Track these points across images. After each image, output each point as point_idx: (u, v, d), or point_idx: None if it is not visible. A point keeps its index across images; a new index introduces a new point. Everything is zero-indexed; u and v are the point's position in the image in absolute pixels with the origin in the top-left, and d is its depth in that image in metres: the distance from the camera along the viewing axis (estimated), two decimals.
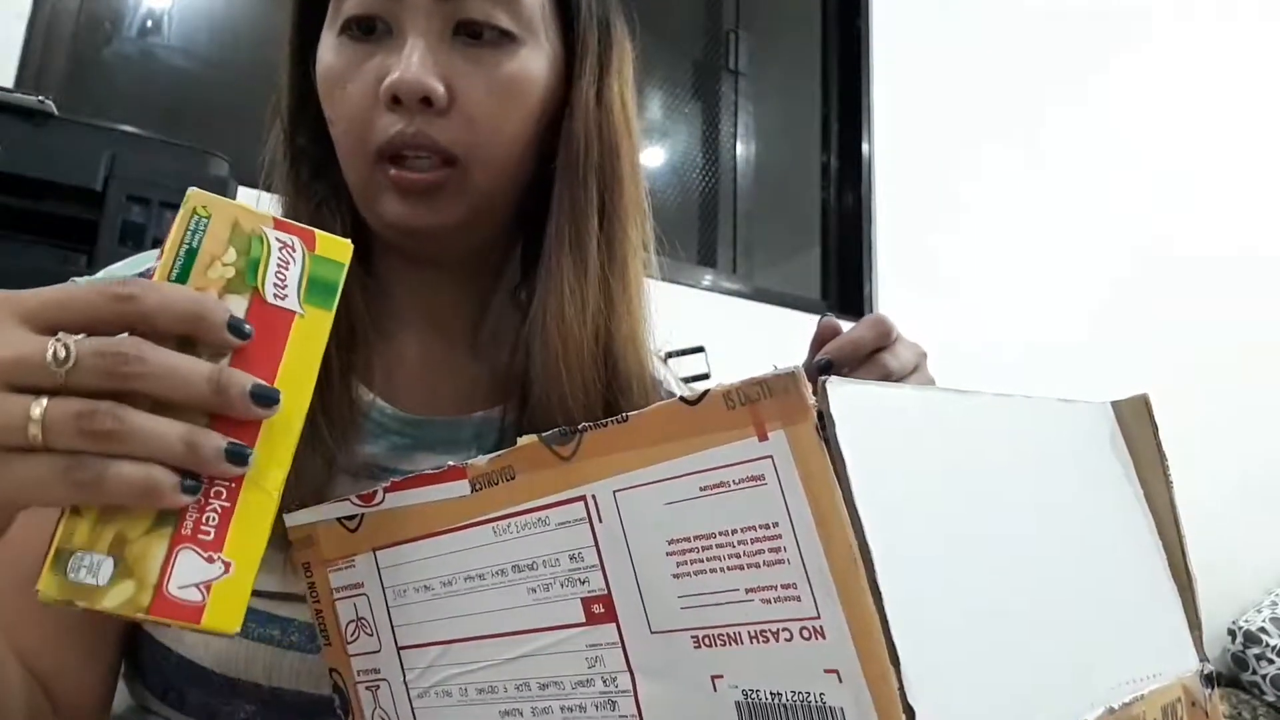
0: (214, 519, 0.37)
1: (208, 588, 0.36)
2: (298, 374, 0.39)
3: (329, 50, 0.60)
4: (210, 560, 0.37)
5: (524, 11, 0.59)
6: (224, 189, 1.27)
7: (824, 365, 0.54)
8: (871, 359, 0.55)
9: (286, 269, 0.41)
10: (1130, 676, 0.40)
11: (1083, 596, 0.41)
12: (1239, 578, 2.58)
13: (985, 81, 2.63)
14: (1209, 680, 0.45)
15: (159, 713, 0.59)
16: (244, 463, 0.37)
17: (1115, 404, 0.50)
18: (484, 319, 0.69)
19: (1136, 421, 0.49)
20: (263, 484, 0.37)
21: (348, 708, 0.50)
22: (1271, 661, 2.46)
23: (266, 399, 0.38)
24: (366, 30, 0.58)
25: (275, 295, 0.41)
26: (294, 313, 0.41)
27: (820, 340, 0.57)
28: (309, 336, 0.40)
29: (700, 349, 1.63)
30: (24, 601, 0.39)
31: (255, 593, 0.55)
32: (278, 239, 0.42)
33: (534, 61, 0.60)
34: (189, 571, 0.36)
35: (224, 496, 0.37)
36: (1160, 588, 0.47)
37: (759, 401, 0.32)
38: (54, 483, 0.34)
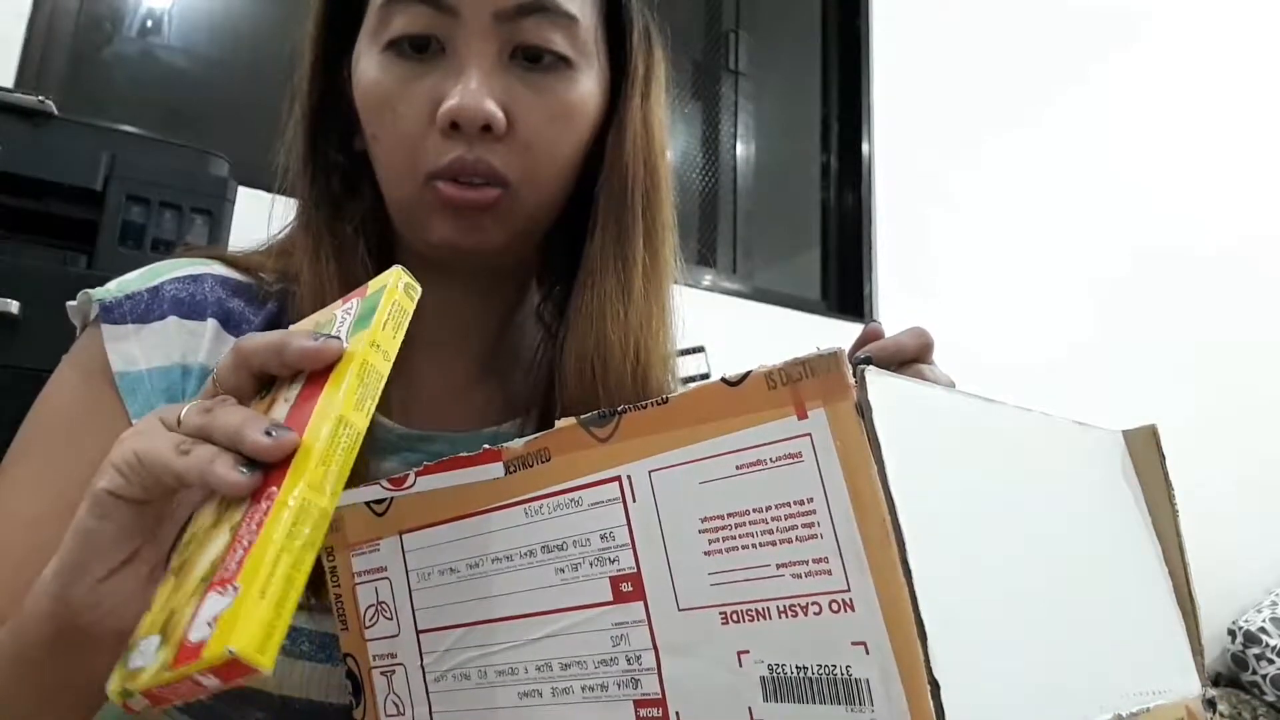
0: (240, 553, 0.35)
1: (215, 620, 0.33)
2: (330, 402, 0.39)
3: (374, 66, 0.58)
4: (224, 593, 0.34)
5: (580, 35, 0.58)
6: (224, 189, 1.27)
7: (863, 360, 0.54)
8: (909, 366, 0.55)
9: (342, 325, 0.43)
10: (1137, 690, 0.41)
11: (1093, 608, 0.42)
12: (1239, 578, 2.58)
13: (985, 81, 2.64)
14: (1210, 705, 0.46)
15: (168, 716, 0.59)
16: (275, 439, 0.37)
17: (1126, 433, 0.51)
18: (504, 335, 0.68)
19: (1145, 451, 0.50)
20: (285, 500, 0.36)
21: (360, 694, 0.49)
22: (1271, 661, 2.46)
23: (271, 436, 0.37)
24: (418, 48, 0.57)
25: None
26: (340, 351, 0.41)
27: (864, 341, 0.57)
28: (345, 363, 0.40)
29: (700, 349, 1.63)
30: None
31: None
32: (341, 311, 0.44)
33: (587, 85, 0.60)
34: (208, 610, 0.34)
35: (254, 525, 0.36)
36: (1165, 612, 0.48)
37: (800, 381, 0.33)
38: (169, 449, 0.38)
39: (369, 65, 0.58)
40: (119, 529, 0.40)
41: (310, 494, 0.36)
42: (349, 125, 0.62)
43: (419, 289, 0.44)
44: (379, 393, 0.40)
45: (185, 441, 0.39)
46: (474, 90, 0.55)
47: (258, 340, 0.42)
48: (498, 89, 0.56)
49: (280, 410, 0.40)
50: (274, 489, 0.36)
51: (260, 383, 0.43)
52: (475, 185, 0.57)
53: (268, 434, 0.37)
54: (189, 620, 0.34)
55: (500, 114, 0.55)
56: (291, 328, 0.45)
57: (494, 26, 0.56)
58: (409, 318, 0.43)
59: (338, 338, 0.41)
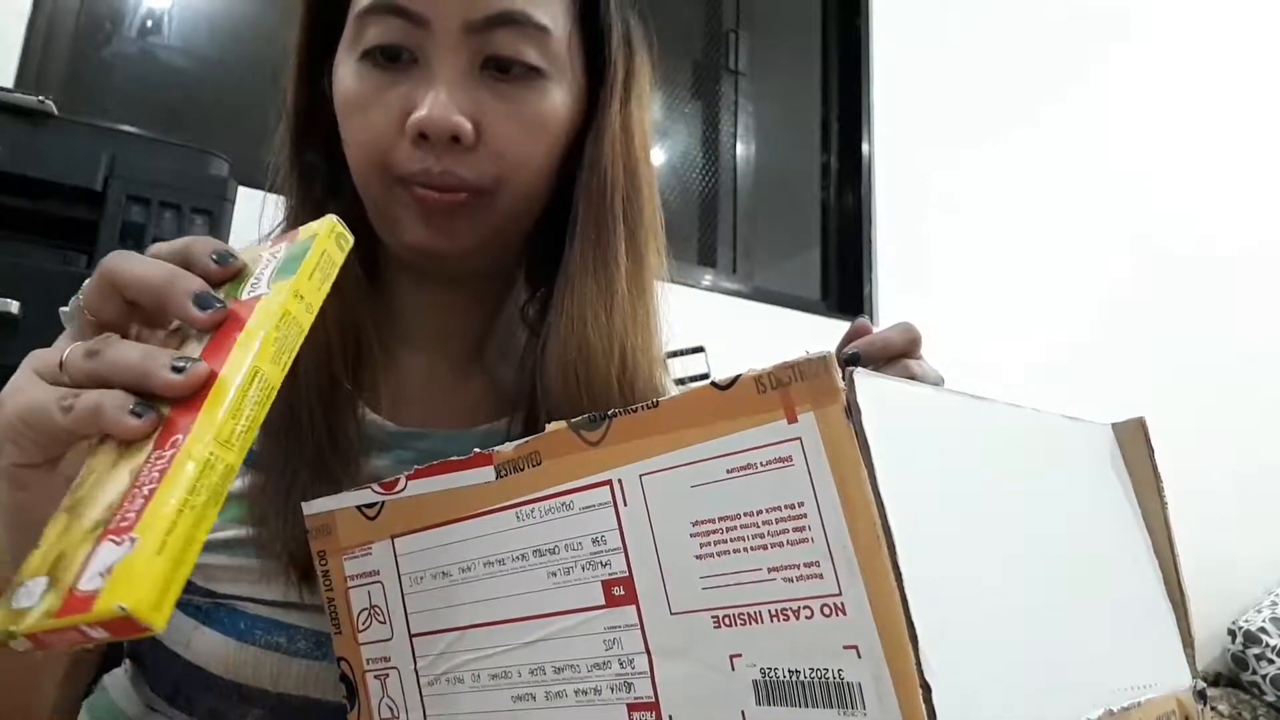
0: (140, 502, 0.33)
1: (109, 571, 0.31)
2: (246, 350, 0.37)
3: (349, 74, 0.58)
4: (120, 543, 0.32)
5: (552, 46, 0.58)
6: (224, 189, 1.27)
7: (851, 357, 0.54)
8: (896, 362, 0.55)
9: (266, 268, 0.41)
10: (1128, 684, 0.41)
11: (1084, 604, 0.42)
12: (1239, 578, 2.58)
13: (985, 81, 2.64)
14: (1201, 696, 0.46)
15: (167, 715, 0.59)
16: (186, 373, 0.36)
17: (1115, 426, 0.51)
18: (491, 335, 0.69)
19: (1134, 443, 0.50)
20: (192, 452, 0.34)
21: (354, 698, 0.49)
22: (1271, 661, 2.46)
23: (180, 370, 0.36)
24: (390, 58, 0.57)
25: (249, 294, 0.40)
26: (260, 296, 0.39)
27: (851, 337, 0.57)
28: (266, 308, 0.39)
29: (700, 349, 1.63)
30: None
31: (261, 601, 0.56)
32: (269, 253, 0.42)
33: (560, 96, 0.59)
34: (101, 560, 0.32)
35: (156, 473, 0.34)
36: (1156, 604, 0.48)
37: (790, 385, 0.33)
38: (52, 407, 0.37)
39: (345, 73, 0.59)
40: (43, 494, 0.39)
41: (219, 449, 0.34)
42: (333, 130, 0.62)
43: (351, 240, 0.42)
44: (298, 346, 0.39)
45: (68, 394, 0.37)
46: (442, 101, 0.55)
47: (136, 268, 0.39)
48: (467, 100, 0.56)
49: (193, 349, 0.38)
50: (179, 436, 0.34)
51: (137, 314, 0.40)
52: (447, 187, 0.57)
53: (176, 369, 0.35)
54: (80, 567, 0.32)
55: (468, 125, 0.55)
56: (191, 242, 0.42)
57: (464, 37, 0.56)
58: (337, 270, 0.41)
59: (223, 303, 0.39)
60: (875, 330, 0.57)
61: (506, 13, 0.56)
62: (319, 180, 0.63)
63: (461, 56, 0.56)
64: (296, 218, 0.62)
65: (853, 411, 0.32)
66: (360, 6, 0.57)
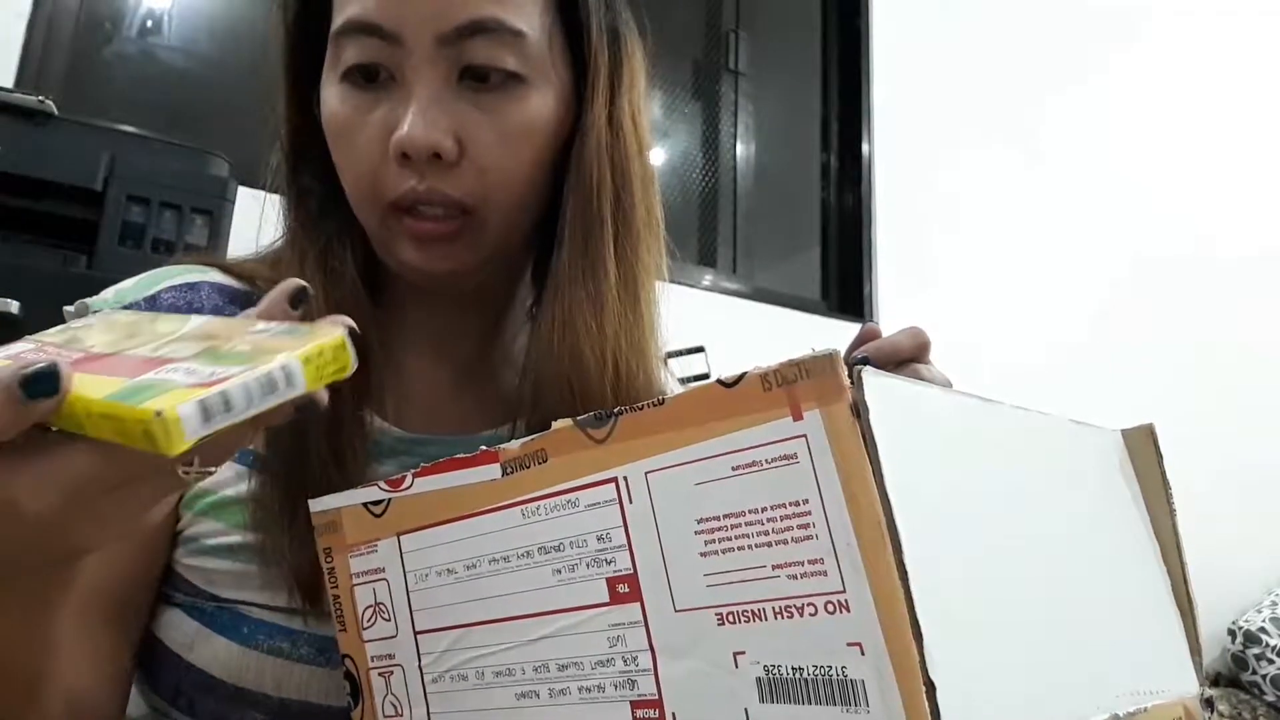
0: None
1: None
2: None
3: (333, 97, 0.58)
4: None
5: (530, 50, 0.57)
6: (224, 189, 1.27)
7: (860, 360, 0.54)
8: (905, 366, 0.55)
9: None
10: (1135, 689, 0.41)
11: (1091, 608, 0.42)
12: (1239, 578, 2.58)
13: (985, 81, 2.64)
14: (1208, 705, 0.46)
15: (169, 717, 0.59)
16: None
17: (1124, 432, 0.51)
18: (495, 340, 0.69)
19: (1142, 450, 0.50)
20: None
21: (359, 695, 0.50)
22: (1271, 661, 2.46)
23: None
24: (369, 78, 0.57)
25: None
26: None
27: (860, 341, 0.57)
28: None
29: (700, 349, 1.63)
30: None
31: (265, 606, 0.57)
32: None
33: (542, 101, 0.58)
34: None
35: None
36: (1163, 611, 0.48)
37: (796, 383, 0.33)
38: None
39: (329, 96, 0.58)
40: None
41: None
42: (326, 151, 0.62)
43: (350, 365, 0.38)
44: None
45: None
46: (421, 120, 0.54)
47: None
48: (446, 115, 0.55)
49: None
50: None
51: None
52: (436, 216, 0.57)
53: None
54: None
55: (448, 141, 0.55)
56: None
57: (438, 51, 0.55)
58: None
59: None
60: (884, 335, 0.57)
61: (477, 21, 0.55)
62: (314, 200, 0.63)
63: (438, 70, 0.56)
64: (296, 235, 0.62)
65: (860, 410, 0.32)
66: (335, 28, 0.57)
